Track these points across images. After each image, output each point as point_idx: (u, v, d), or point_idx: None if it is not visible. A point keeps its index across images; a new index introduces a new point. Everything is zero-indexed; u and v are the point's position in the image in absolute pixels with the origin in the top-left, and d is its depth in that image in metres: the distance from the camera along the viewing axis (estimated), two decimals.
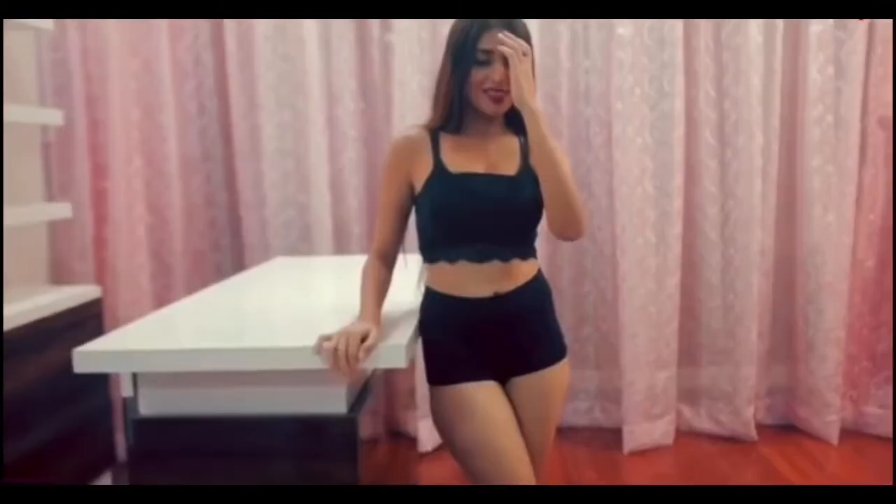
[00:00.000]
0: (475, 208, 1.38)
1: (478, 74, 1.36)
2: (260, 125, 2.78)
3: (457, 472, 2.59)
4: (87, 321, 2.44)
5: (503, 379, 1.48)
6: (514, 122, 1.45)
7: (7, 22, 2.28)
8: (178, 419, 1.36)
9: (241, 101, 2.79)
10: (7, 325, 2.01)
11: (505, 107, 1.39)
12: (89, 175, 2.70)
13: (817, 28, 2.67)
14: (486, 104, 1.39)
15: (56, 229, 2.72)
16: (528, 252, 1.46)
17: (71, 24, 2.60)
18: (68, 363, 2.30)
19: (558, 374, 1.49)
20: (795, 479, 2.52)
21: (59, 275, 2.74)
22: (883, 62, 2.70)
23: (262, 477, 1.35)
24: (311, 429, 1.34)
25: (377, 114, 2.86)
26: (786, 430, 2.94)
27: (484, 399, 1.42)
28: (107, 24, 2.62)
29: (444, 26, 2.63)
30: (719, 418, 2.89)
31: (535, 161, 1.35)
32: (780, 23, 2.69)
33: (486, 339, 1.44)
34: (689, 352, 2.92)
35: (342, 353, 1.21)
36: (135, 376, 1.36)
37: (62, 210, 2.51)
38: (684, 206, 2.78)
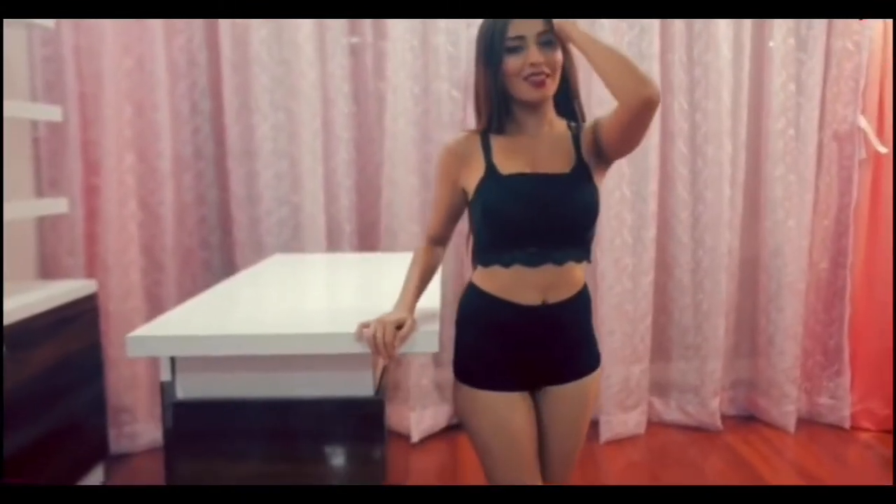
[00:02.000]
0: (526, 210, 1.35)
1: (513, 63, 1.32)
2: (253, 126, 2.84)
3: (444, 464, 2.72)
4: (84, 315, 2.47)
5: (536, 385, 1.47)
6: (565, 109, 1.44)
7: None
8: (215, 402, 1.43)
9: (234, 102, 2.84)
10: (7, 320, 2.02)
11: (549, 90, 1.35)
12: (81, 171, 2.72)
13: (781, 49, 2.89)
14: (527, 91, 1.34)
15: (44, 224, 2.73)
16: (583, 255, 1.41)
17: (65, 21, 2.61)
18: (65, 357, 2.35)
19: (593, 382, 1.49)
20: (758, 465, 2.73)
21: (47, 270, 2.74)
22: (837, 82, 2.94)
23: (295, 457, 1.44)
24: (340, 410, 1.44)
25: (369, 117, 2.96)
26: (747, 420, 3.16)
27: (507, 411, 1.42)
28: (101, 23, 2.64)
29: (435, 35, 2.81)
30: (687, 409, 3.09)
31: (588, 58, 1.29)
32: (747, 42, 2.91)
33: (526, 346, 1.41)
34: (661, 347, 3.11)
35: (380, 340, 1.29)
36: (173, 361, 1.43)
37: (57, 205, 2.53)
38: (658, 210, 2.96)
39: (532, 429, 1.46)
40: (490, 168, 1.38)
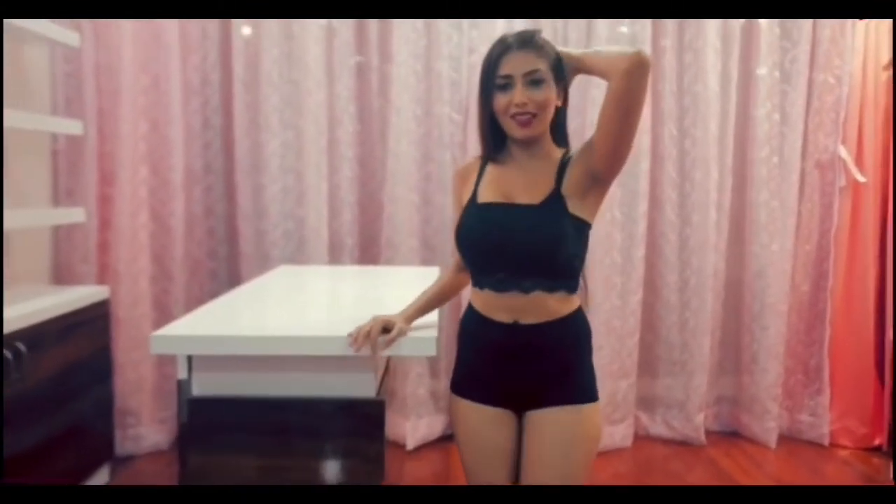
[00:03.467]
0: (490, 238, 1.39)
1: (501, 101, 1.36)
2: (262, 142, 2.97)
3: (438, 472, 2.82)
4: (96, 320, 2.59)
5: (518, 407, 1.47)
6: (560, 137, 1.47)
7: (33, 35, 2.43)
8: (227, 399, 1.54)
9: (244, 119, 2.98)
10: (25, 323, 2.13)
11: (533, 130, 1.37)
12: (96, 182, 2.84)
13: (766, 80, 3.05)
14: (513, 129, 1.37)
15: (59, 232, 2.84)
16: (556, 285, 1.39)
17: (86, 40, 2.74)
18: (76, 360, 2.46)
19: (574, 418, 1.41)
20: (739, 478, 2.83)
21: (60, 276, 2.85)
22: (819, 113, 3.10)
23: (300, 452, 1.55)
24: (344, 410, 1.55)
25: (373, 137, 3.10)
26: (730, 435, 3.28)
27: (478, 422, 1.47)
28: (120, 42, 2.78)
29: (437, 60, 2.96)
30: (673, 424, 3.20)
31: (594, 71, 1.35)
32: (734, 74, 3.06)
33: (503, 364, 1.44)
34: (648, 363, 3.22)
35: (363, 331, 1.41)
36: (190, 360, 1.54)
37: (75, 215, 2.65)
38: (647, 232, 3.09)
39: (508, 447, 1.47)
40: (473, 195, 1.45)
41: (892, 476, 2.84)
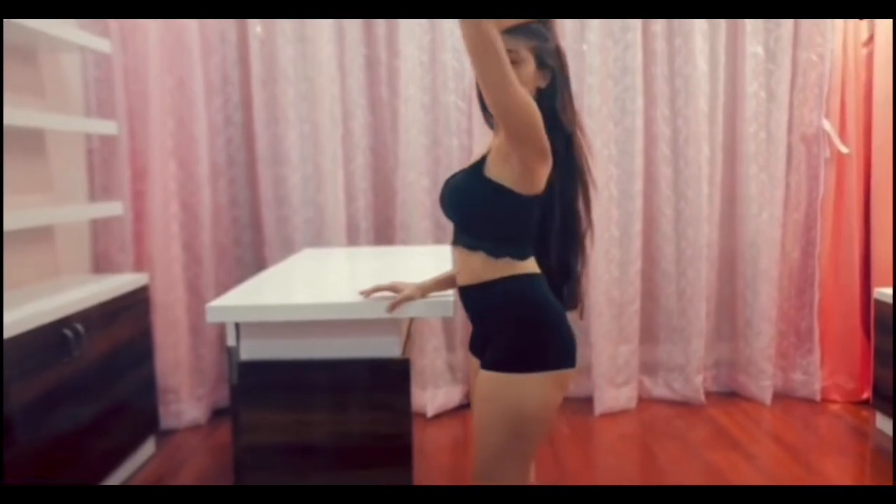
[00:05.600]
0: (441, 200, 1.60)
1: None
2: (280, 135, 3.19)
3: (456, 437, 3.04)
4: (137, 305, 2.81)
5: None
6: (545, 115, 1.48)
7: (66, 43, 2.63)
8: (270, 362, 1.76)
9: (263, 114, 3.20)
10: (78, 307, 2.35)
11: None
12: (129, 178, 3.06)
13: (752, 60, 3.23)
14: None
15: (97, 225, 3.07)
16: (474, 244, 1.49)
17: (115, 45, 2.95)
18: (122, 342, 2.68)
19: (490, 384, 1.48)
20: (738, 435, 3.04)
21: (100, 266, 3.08)
22: (803, 90, 3.28)
23: (336, 407, 1.77)
24: (374, 368, 1.76)
25: (384, 126, 3.31)
26: (728, 395, 3.49)
27: (472, 368, 1.65)
28: (146, 47, 2.98)
29: (442, 52, 3.15)
30: (674, 386, 3.41)
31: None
32: (721, 55, 3.25)
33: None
34: (649, 330, 3.44)
35: (374, 286, 1.70)
36: (237, 328, 1.76)
37: (113, 208, 2.87)
38: (644, 207, 3.30)
39: None
40: None
41: (876, 425, 3.06)
